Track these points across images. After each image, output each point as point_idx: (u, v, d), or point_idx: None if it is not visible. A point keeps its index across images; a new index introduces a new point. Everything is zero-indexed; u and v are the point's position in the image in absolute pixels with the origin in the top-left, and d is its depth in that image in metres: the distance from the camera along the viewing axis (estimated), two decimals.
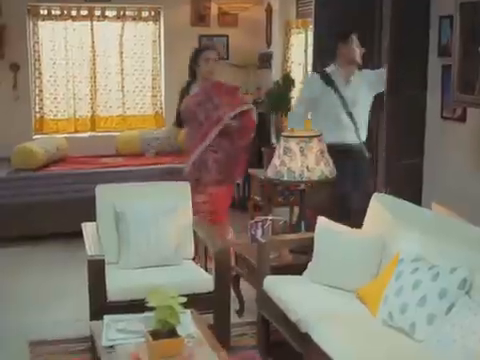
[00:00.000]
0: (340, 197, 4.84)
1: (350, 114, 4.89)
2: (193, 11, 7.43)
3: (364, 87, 4.93)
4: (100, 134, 7.40)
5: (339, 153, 4.54)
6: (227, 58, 7.51)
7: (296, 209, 5.32)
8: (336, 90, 4.88)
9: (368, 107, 4.98)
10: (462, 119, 4.32)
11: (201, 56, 5.00)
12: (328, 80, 4.91)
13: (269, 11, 7.16)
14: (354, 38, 4.85)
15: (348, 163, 4.73)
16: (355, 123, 4.88)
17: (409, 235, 3.50)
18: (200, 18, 7.45)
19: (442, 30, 4.50)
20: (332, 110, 4.91)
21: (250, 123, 5.15)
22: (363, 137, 4.93)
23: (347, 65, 4.90)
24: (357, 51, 4.84)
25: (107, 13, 7.25)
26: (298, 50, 6.56)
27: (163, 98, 7.56)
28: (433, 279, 2.99)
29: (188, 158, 5.12)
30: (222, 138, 5.00)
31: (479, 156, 4.15)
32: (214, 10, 7.43)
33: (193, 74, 5.17)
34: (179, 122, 5.29)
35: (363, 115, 4.96)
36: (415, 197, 4.60)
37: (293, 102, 6.17)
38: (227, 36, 7.51)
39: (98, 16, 7.22)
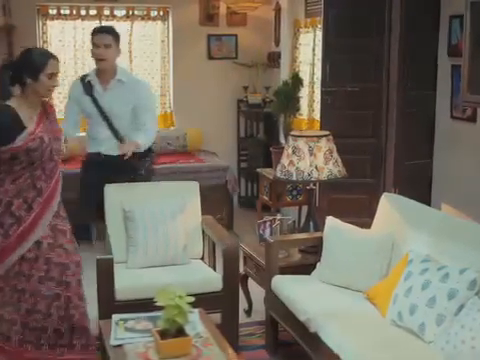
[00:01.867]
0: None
1: (110, 125, 4.47)
2: (202, 10, 7.43)
3: (123, 96, 4.45)
4: None
5: (96, 164, 4.50)
6: (236, 57, 7.51)
7: (304, 208, 5.31)
8: (93, 98, 4.46)
9: (129, 119, 4.49)
10: (472, 119, 4.29)
11: (46, 68, 3.40)
12: (86, 86, 4.49)
13: (278, 10, 7.15)
14: (102, 36, 4.43)
15: (105, 175, 4.36)
16: (117, 135, 4.45)
17: (418, 235, 3.49)
18: (209, 17, 7.45)
19: (452, 30, 4.47)
20: (91, 120, 4.56)
21: None
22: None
23: (101, 68, 4.48)
24: (102, 52, 4.40)
25: (116, 13, 7.26)
26: (307, 49, 6.55)
27: (172, 98, 7.56)
28: (442, 280, 2.98)
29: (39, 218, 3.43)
30: None
31: None
32: (223, 9, 7.43)
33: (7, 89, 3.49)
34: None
35: (126, 127, 4.48)
36: (424, 198, 4.58)
37: (301, 102, 6.16)
38: (236, 35, 7.50)
39: (107, 15, 7.23)
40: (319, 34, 5.93)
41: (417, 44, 4.68)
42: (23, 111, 3.40)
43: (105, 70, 4.48)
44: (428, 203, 4.61)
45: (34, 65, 3.40)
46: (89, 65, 7.26)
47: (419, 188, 4.74)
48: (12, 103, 3.40)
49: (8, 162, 3.34)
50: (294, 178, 4.16)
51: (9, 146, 3.30)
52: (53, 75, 3.45)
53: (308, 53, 6.49)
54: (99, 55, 4.42)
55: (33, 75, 3.39)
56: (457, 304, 2.89)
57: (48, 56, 3.47)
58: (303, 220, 4.50)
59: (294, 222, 4.56)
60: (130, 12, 7.29)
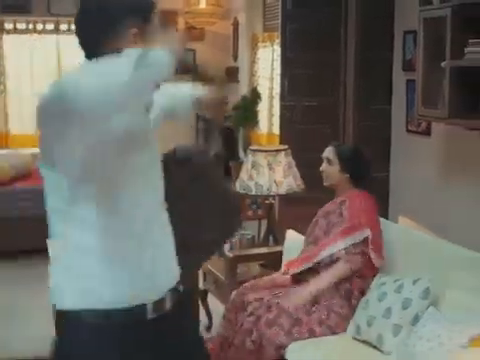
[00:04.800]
0: None
1: None
2: (160, 25, 7.42)
3: None
4: None
5: None
6: (195, 72, 7.51)
7: (265, 222, 5.32)
8: None
9: None
10: (427, 133, 4.36)
11: None
12: None
13: (236, 25, 7.19)
14: None
15: None
16: None
17: None
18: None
19: (406, 45, 4.55)
20: None
21: None
22: None
23: None
24: None
25: (73, 27, 7.19)
26: (265, 64, 6.59)
27: None
28: (397, 291, 3.03)
29: None
30: None
31: (444, 169, 4.20)
32: (180, 24, 7.44)
33: None
34: None
35: None
36: (382, 211, 4.62)
37: (260, 116, 6.19)
38: (194, 50, 7.51)
39: (64, 31, 7.17)
40: (277, 49, 5.97)
41: (373, 59, 4.75)
42: None
43: None
44: (386, 216, 4.66)
45: None
46: (46, 79, 7.20)
47: (377, 201, 4.78)
48: None
49: None
50: (253, 192, 4.17)
51: None
52: None
53: (267, 67, 6.54)
54: None
55: None
56: (412, 313, 2.93)
57: None
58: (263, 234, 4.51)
59: (253, 236, 4.57)
60: None
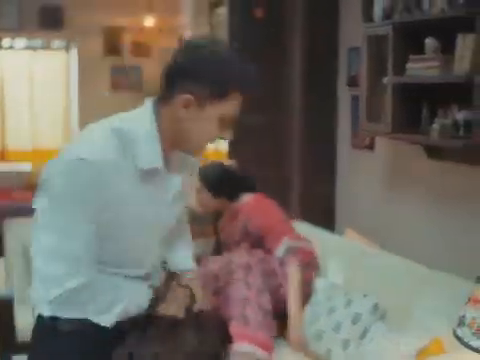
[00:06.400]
0: None
1: None
2: (106, 41, 7.37)
3: None
4: (10, 167, 7.18)
5: None
6: (142, 89, 7.48)
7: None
8: None
9: None
10: (371, 147, 4.43)
11: None
12: None
13: (182, 41, 7.20)
14: None
15: None
16: None
17: (324, 262, 3.54)
18: (113, 48, 7.40)
19: (351, 62, 4.62)
20: None
21: None
22: None
23: None
24: None
25: (17, 42, 7.09)
26: None
27: (76, 129, 7.42)
28: (347, 305, 3.04)
29: None
30: None
31: (388, 183, 4.27)
32: (127, 40, 7.41)
33: None
34: None
35: None
36: (329, 226, 4.67)
37: None
38: (141, 67, 7.48)
39: (7, 47, 7.06)
40: None
41: (318, 75, 4.81)
42: None
43: None
44: (332, 229, 4.70)
45: None
46: None
47: (324, 217, 4.82)
48: None
49: None
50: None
51: None
52: None
53: None
54: None
55: None
56: (361, 328, 2.95)
57: None
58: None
59: (201, 254, 4.53)
60: (32, 42, 7.14)
